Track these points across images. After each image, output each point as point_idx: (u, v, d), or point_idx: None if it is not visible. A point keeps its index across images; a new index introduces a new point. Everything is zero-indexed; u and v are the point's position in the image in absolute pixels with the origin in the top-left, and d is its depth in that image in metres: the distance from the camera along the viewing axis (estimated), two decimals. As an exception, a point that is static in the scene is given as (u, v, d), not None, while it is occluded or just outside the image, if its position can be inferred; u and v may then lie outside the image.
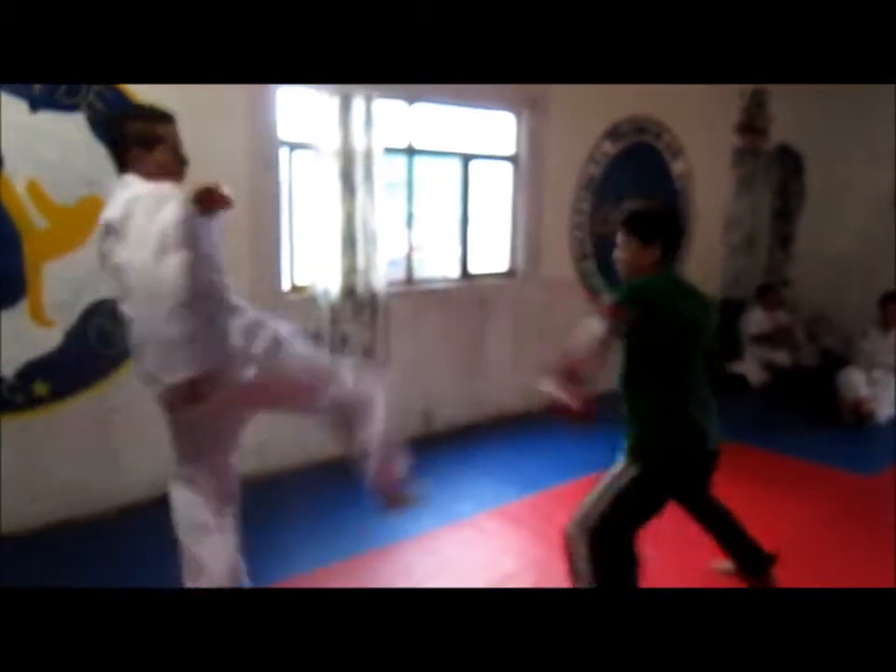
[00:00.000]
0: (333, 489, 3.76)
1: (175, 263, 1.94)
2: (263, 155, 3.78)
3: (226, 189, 2.07)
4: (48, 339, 3.29)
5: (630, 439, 2.30)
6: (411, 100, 4.32)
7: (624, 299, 2.13)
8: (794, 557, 3.04)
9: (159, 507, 2.47)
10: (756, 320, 6.23)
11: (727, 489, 3.81)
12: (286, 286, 4.04)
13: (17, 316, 3.20)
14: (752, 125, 6.49)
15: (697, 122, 5.92)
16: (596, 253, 5.48)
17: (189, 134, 3.46)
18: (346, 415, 2.52)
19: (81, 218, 3.27)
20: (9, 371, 3.21)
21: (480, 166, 4.82)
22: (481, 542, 3.27)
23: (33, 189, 3.16)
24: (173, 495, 2.31)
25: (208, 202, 2.04)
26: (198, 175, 3.50)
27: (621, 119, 5.44)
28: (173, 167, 2.23)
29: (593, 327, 2.12)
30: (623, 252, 2.33)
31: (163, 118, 2.26)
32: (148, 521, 2.95)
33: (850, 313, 6.29)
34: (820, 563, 3.07)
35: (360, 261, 4.03)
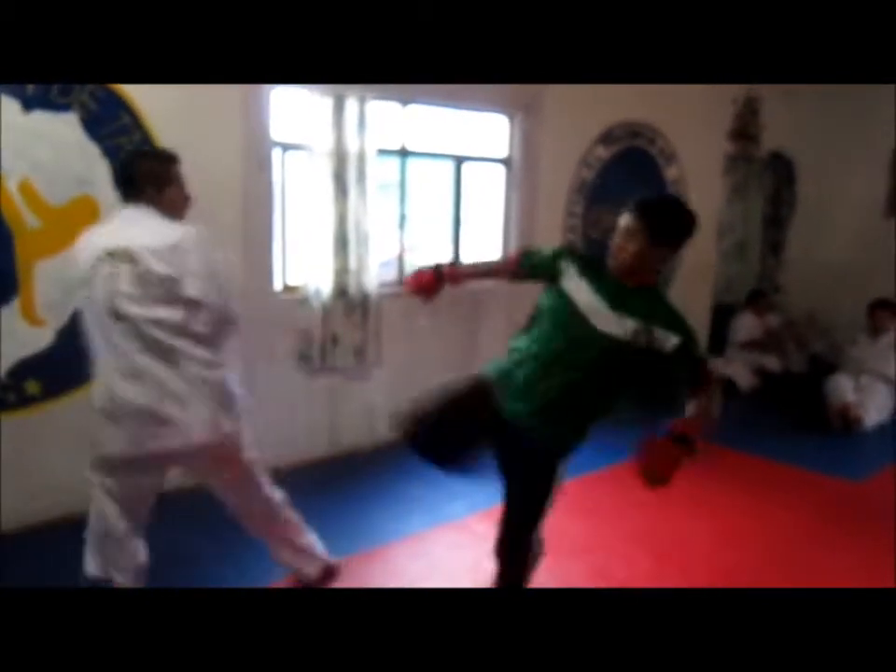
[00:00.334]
0: (323, 490, 3.77)
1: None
2: (256, 155, 3.78)
3: None
4: (39, 338, 3.29)
5: (559, 438, 2.25)
6: (404, 101, 4.33)
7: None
8: (782, 562, 3.07)
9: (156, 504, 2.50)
10: (746, 326, 6.27)
11: (715, 494, 3.86)
12: (278, 285, 4.05)
13: (9, 315, 3.20)
14: (745, 132, 6.52)
15: (690, 128, 5.94)
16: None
17: (183, 134, 3.51)
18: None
19: (73, 218, 3.26)
20: (2, 369, 3.21)
21: (473, 168, 4.84)
22: (471, 544, 3.28)
23: (25, 188, 3.16)
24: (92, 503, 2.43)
25: None
26: (192, 174, 3.54)
27: (614, 124, 5.46)
28: (181, 204, 2.42)
29: None
30: (629, 243, 2.07)
31: (173, 159, 2.43)
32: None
33: (841, 319, 6.34)
34: (808, 568, 3.10)
35: (352, 262, 4.04)
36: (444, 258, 3.85)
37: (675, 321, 2.13)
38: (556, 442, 2.23)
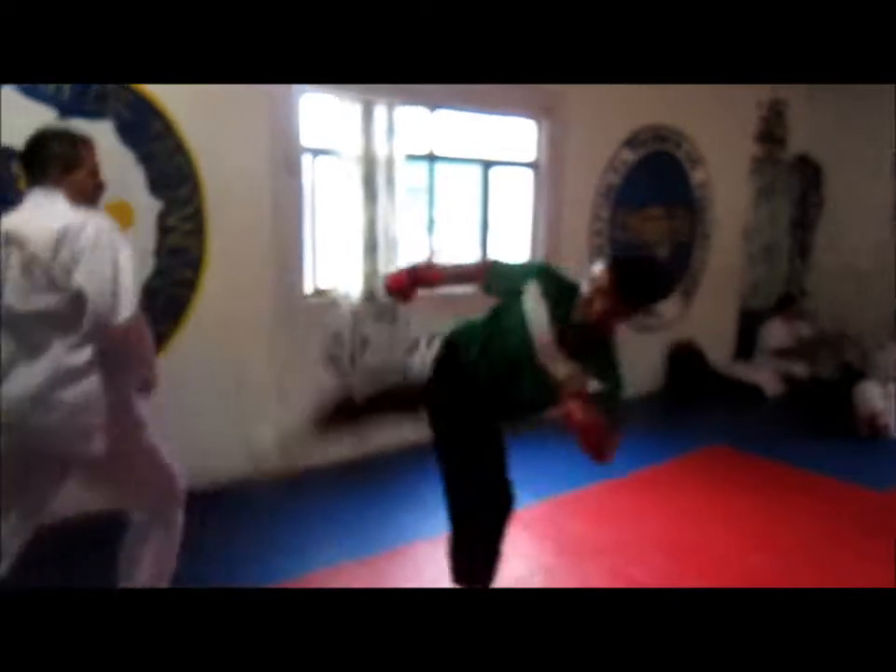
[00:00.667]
0: (351, 490, 3.80)
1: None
2: (286, 160, 3.82)
3: None
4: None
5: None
6: (432, 107, 4.35)
7: None
8: (805, 568, 3.04)
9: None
10: (776, 333, 6.20)
11: (737, 499, 3.84)
12: (308, 289, 4.08)
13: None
14: (771, 134, 6.48)
15: (716, 131, 5.91)
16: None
17: (213, 140, 3.56)
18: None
19: (108, 222, 3.32)
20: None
21: (500, 173, 4.85)
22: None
23: (61, 192, 3.21)
24: None
25: None
26: (222, 180, 3.59)
27: (640, 128, 5.45)
28: (90, 191, 2.20)
29: None
30: (598, 301, 2.09)
31: (84, 141, 2.21)
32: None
33: (868, 325, 6.26)
34: (832, 575, 3.06)
35: (381, 266, 4.07)
36: (420, 258, 3.86)
37: (610, 373, 2.18)
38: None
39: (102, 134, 3.26)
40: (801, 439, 5.01)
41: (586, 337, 2.16)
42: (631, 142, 5.41)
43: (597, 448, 2.07)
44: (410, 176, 4.19)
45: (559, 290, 2.22)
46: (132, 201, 3.37)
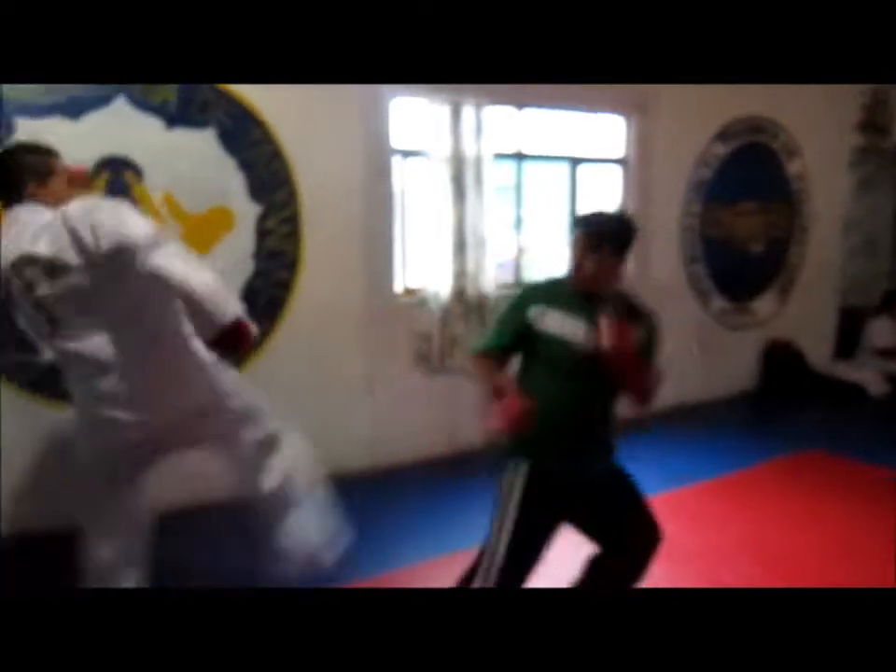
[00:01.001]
0: (440, 487, 3.84)
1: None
2: (377, 162, 3.90)
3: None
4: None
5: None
6: (519, 105, 4.37)
7: None
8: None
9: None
10: (883, 332, 5.91)
11: (831, 505, 3.67)
12: (398, 288, 4.16)
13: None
14: (873, 123, 6.20)
15: (814, 121, 5.70)
16: (707, 256, 5.39)
17: (308, 145, 3.68)
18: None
19: (210, 227, 3.48)
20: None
21: (588, 170, 4.82)
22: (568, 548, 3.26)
23: (168, 199, 3.38)
24: None
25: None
26: (314, 181, 3.71)
27: (732, 120, 5.31)
28: (68, 198, 2.18)
29: None
30: (596, 267, 2.13)
31: (52, 152, 2.22)
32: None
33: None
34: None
35: (470, 264, 4.11)
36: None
37: (645, 317, 2.21)
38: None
39: (205, 142, 3.43)
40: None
41: (599, 303, 2.16)
42: (723, 135, 5.28)
43: (636, 383, 2.12)
44: (498, 175, 4.22)
45: (550, 288, 2.26)
46: (232, 206, 3.52)
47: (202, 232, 3.47)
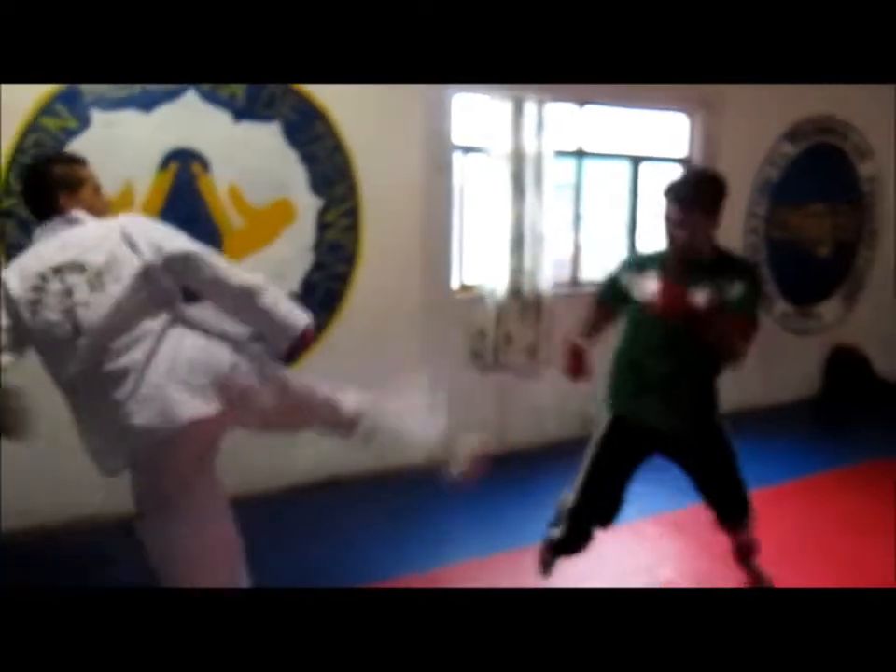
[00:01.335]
0: (491, 485, 3.83)
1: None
2: (437, 158, 3.92)
3: None
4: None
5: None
6: (581, 102, 4.33)
7: None
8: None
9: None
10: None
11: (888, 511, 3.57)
12: (455, 284, 4.17)
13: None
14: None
15: (888, 121, 5.51)
16: (771, 258, 5.26)
17: (369, 140, 3.71)
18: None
19: (272, 219, 3.55)
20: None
21: (650, 168, 4.75)
22: (641, 547, 3.23)
23: (233, 192, 3.45)
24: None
25: None
26: (374, 178, 3.74)
27: (802, 119, 5.16)
28: (98, 206, 2.17)
29: None
30: (695, 230, 2.27)
31: (80, 161, 2.20)
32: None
33: None
34: None
35: (527, 262, 4.10)
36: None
37: (740, 279, 2.28)
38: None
39: (270, 136, 3.49)
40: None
41: (697, 267, 2.28)
42: (791, 134, 5.15)
43: (720, 340, 2.19)
44: (558, 173, 4.19)
45: (655, 255, 2.43)
46: (293, 198, 3.58)
47: (263, 225, 3.54)
